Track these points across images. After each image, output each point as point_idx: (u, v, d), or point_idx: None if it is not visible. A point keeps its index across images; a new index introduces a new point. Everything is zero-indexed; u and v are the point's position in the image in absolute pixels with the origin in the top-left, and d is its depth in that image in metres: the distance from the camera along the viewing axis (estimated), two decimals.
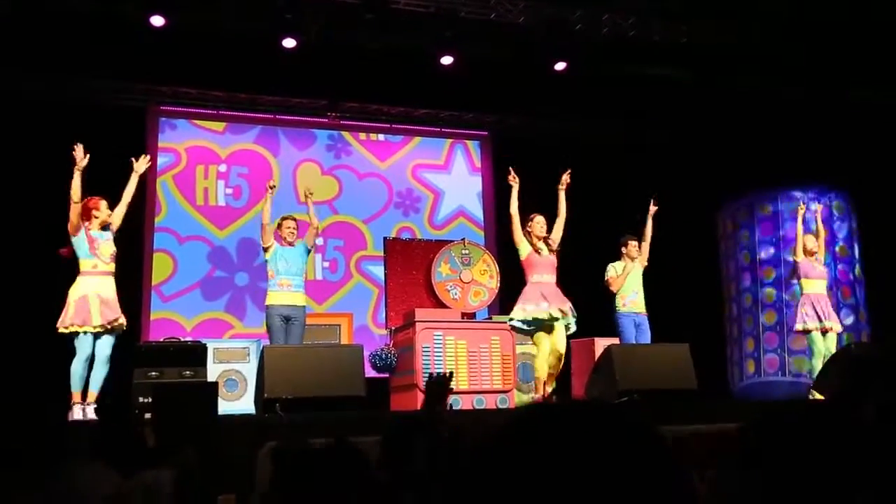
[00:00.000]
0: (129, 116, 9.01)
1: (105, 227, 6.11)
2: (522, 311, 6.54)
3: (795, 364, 9.31)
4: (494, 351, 6.96)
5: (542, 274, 6.63)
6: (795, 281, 7.73)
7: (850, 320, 9.39)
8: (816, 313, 7.39)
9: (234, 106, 9.57)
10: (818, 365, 7.20)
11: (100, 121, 8.38)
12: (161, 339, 6.98)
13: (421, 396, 3.42)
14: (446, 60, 8.69)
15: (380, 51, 8.53)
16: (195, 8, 7.87)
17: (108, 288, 5.97)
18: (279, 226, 6.97)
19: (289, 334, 6.77)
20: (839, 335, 7.71)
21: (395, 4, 8.03)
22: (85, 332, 5.80)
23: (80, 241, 5.96)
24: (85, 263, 5.95)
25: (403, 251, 8.00)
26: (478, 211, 10.49)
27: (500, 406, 6.78)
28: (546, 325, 6.53)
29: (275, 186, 7.00)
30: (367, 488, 1.96)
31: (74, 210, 5.91)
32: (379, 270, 8.96)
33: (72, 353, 5.81)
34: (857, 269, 9.86)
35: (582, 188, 6.88)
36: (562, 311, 6.52)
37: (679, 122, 9.89)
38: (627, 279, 7.38)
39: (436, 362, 6.69)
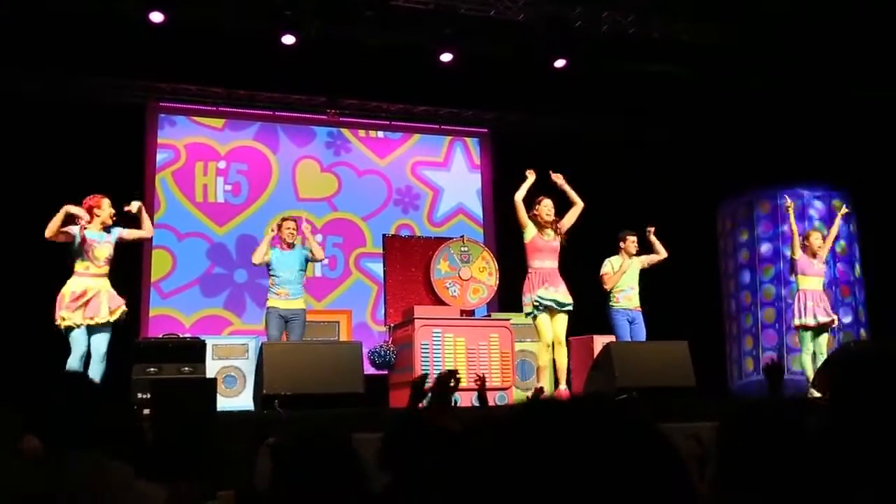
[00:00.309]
0: (129, 113, 8.99)
1: (106, 227, 5.95)
2: (534, 299, 6.46)
3: (794, 362, 9.31)
4: (493, 348, 6.96)
5: (544, 259, 6.57)
6: (793, 278, 7.72)
7: (848, 319, 9.39)
8: (812, 310, 7.38)
9: (233, 103, 9.56)
10: (807, 362, 7.26)
11: (99, 118, 8.38)
12: (160, 336, 6.96)
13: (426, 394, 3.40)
14: (446, 57, 8.69)
15: (379, 48, 8.52)
16: (194, 4, 7.86)
17: (103, 286, 5.85)
18: (279, 227, 6.96)
19: (289, 332, 6.81)
20: (836, 333, 7.70)
21: (394, 1, 8.01)
22: (79, 326, 5.67)
23: (74, 242, 5.79)
24: (78, 264, 5.82)
25: (402, 248, 7.99)
26: (477, 208, 10.48)
27: (499, 403, 6.77)
28: (551, 310, 6.50)
29: (275, 231, 6.98)
30: (366, 485, 1.96)
31: (48, 233, 5.71)
32: (378, 267, 8.96)
33: (67, 350, 5.70)
34: (857, 269, 9.86)
35: (582, 185, 6.86)
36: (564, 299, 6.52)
37: (679, 119, 9.88)
38: (623, 276, 7.37)
39: (435, 359, 6.69)
